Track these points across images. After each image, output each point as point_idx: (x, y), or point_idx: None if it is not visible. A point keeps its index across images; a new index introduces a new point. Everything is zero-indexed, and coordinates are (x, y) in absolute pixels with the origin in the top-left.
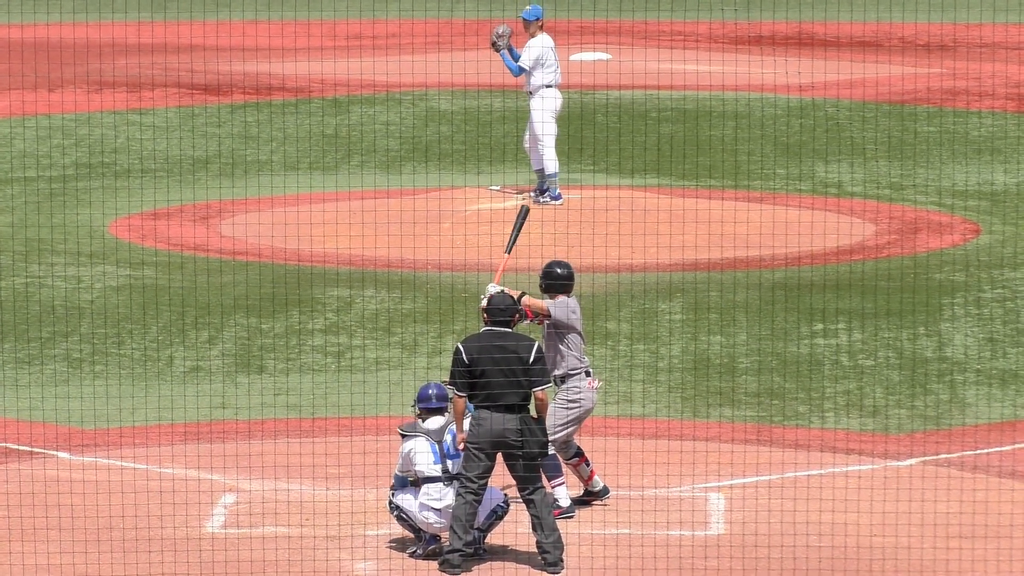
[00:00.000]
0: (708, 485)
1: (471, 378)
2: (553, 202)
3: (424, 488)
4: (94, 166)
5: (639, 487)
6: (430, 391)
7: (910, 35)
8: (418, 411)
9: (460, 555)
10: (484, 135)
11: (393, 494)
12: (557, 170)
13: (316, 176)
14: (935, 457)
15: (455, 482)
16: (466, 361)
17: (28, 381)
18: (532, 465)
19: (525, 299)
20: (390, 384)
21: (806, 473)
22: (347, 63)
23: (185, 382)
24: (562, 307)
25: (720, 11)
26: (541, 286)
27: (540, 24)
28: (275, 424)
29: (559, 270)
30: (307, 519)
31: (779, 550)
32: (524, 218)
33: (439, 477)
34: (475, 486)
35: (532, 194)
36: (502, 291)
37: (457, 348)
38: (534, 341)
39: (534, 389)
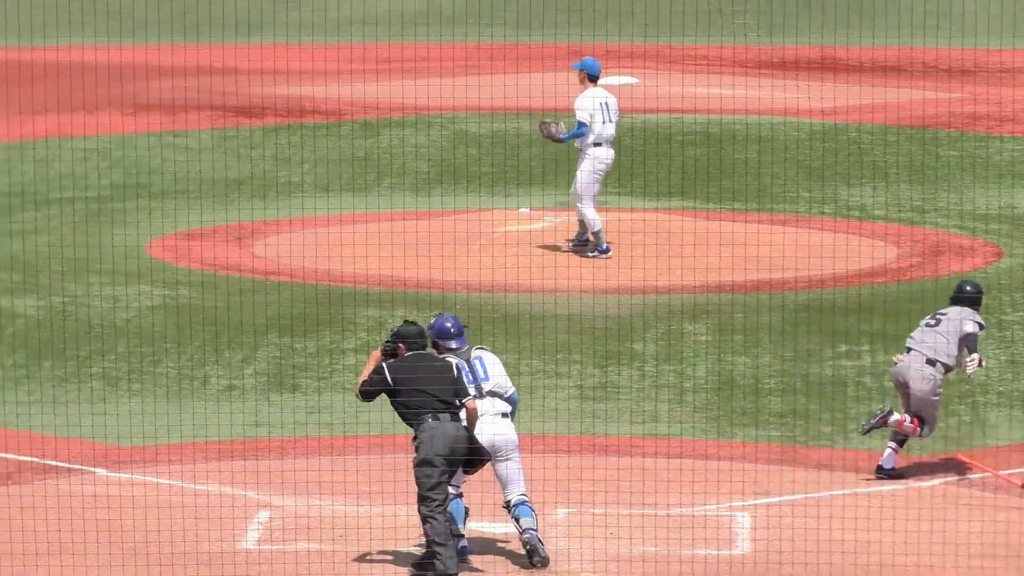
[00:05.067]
0: (734, 504)
1: (384, 392)
2: (603, 256)
3: None
4: (131, 187)
5: (665, 506)
6: (447, 323)
7: (932, 60)
8: (434, 344)
9: (456, 563)
10: (513, 158)
11: None
12: (600, 227)
13: (348, 197)
14: (958, 478)
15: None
16: (389, 381)
17: (67, 399)
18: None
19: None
20: None
21: (830, 493)
22: (377, 86)
23: (220, 400)
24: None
25: (743, 36)
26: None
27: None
28: (308, 442)
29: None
30: (340, 535)
31: (803, 568)
32: None
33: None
34: (436, 502)
35: (570, 242)
36: (405, 320)
37: (380, 367)
38: (452, 361)
39: (464, 400)
